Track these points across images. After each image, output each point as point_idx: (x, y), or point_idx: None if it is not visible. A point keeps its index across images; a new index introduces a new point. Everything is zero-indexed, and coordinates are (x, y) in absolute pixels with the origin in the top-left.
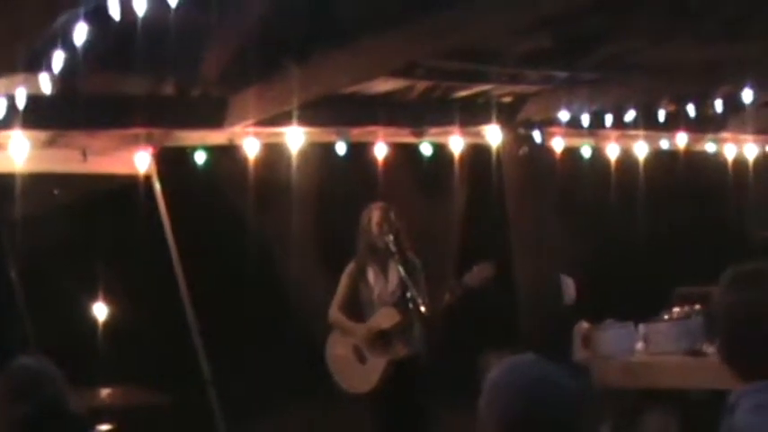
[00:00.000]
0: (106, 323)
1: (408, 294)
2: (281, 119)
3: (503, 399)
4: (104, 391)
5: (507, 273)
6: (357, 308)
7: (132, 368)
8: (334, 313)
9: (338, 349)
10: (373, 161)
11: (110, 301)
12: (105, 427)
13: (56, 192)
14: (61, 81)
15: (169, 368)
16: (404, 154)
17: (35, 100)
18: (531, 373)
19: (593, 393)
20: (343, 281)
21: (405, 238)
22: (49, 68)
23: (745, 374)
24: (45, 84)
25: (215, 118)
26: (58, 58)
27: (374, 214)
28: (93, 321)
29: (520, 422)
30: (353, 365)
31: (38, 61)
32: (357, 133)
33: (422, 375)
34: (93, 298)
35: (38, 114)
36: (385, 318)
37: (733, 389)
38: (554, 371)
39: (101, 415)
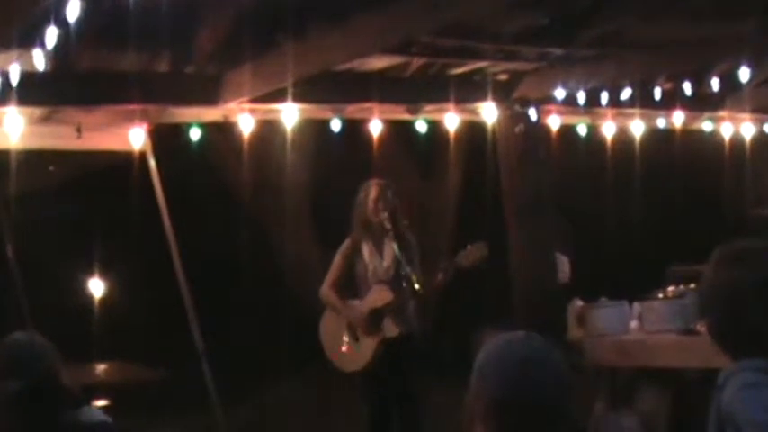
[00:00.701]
0: (101, 299)
1: (402, 272)
2: (276, 96)
3: (491, 377)
4: (100, 367)
5: (502, 251)
6: (352, 285)
7: (127, 344)
8: (326, 292)
9: (331, 327)
10: (368, 138)
11: (104, 276)
12: (101, 402)
13: (51, 168)
14: (55, 57)
15: (164, 343)
16: (399, 131)
17: (29, 76)
18: (520, 351)
19: (585, 372)
20: (337, 259)
21: (401, 216)
22: (42, 45)
23: (735, 353)
24: (39, 60)
25: (210, 95)
26: (52, 35)
27: (371, 191)
28: (89, 297)
29: (508, 401)
30: (347, 343)
31: (31, 38)
32: (352, 110)
33: (415, 354)
34: (88, 274)
35: (32, 91)
36: (378, 296)
37: (724, 368)
38: (545, 349)
39: (96, 391)
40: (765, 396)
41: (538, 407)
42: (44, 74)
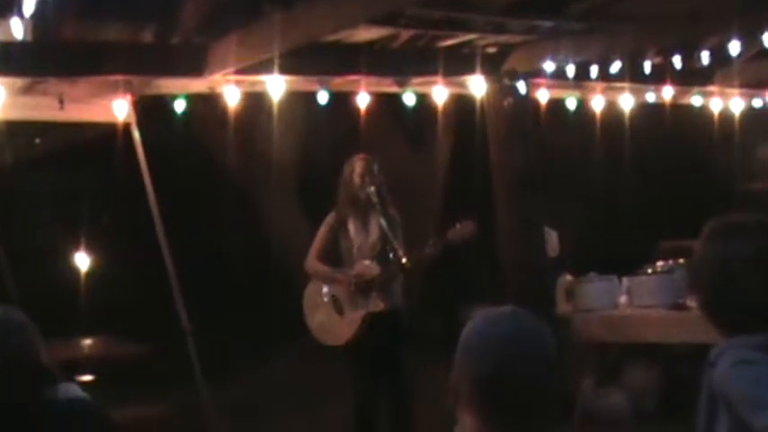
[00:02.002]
0: (86, 273)
1: (389, 246)
2: (262, 67)
3: (476, 352)
4: (85, 342)
5: (489, 225)
6: (336, 260)
7: (112, 319)
8: (312, 262)
9: (316, 300)
10: (355, 111)
11: (89, 250)
12: (86, 377)
13: (37, 141)
14: (37, 27)
15: (148, 319)
16: (386, 104)
17: (9, 46)
18: (505, 326)
19: (574, 347)
20: (322, 231)
21: (387, 191)
22: (20, 13)
23: (726, 329)
24: (17, 29)
25: (195, 66)
26: (29, 3)
27: (357, 165)
28: (74, 271)
29: (492, 376)
30: (331, 317)
31: (8, 5)
32: (339, 82)
33: (401, 329)
34: (73, 247)
35: (13, 61)
36: (364, 271)
37: (715, 343)
38: (531, 324)
39: (81, 366)
40: (757, 372)
41: (524, 383)
42: (26, 44)
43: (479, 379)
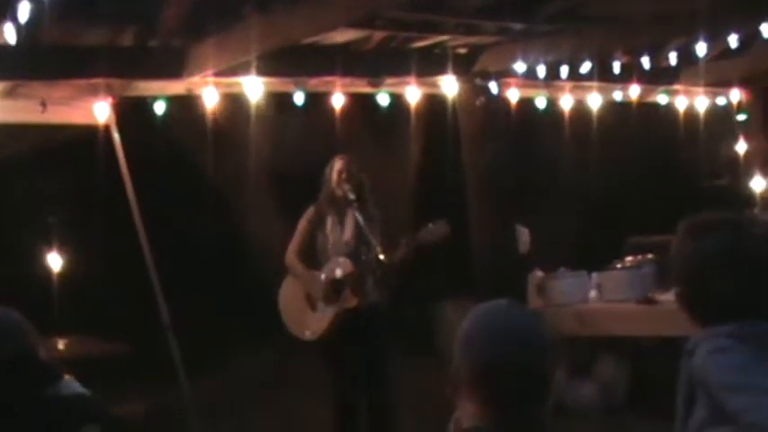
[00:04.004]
0: (64, 273)
1: (364, 242)
2: (240, 69)
3: (476, 342)
4: (62, 341)
5: (462, 223)
6: (312, 256)
7: (91, 318)
8: (291, 257)
9: (290, 295)
10: (331, 111)
11: (69, 250)
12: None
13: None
14: (18, 30)
15: (128, 317)
16: (361, 104)
17: None
18: (504, 318)
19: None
20: (301, 225)
21: (368, 191)
22: (14, 19)
23: (704, 320)
24: (10, 34)
25: (174, 68)
26: (24, 8)
27: (336, 164)
28: (52, 271)
29: (492, 367)
30: (304, 312)
31: (2, 11)
32: (315, 83)
33: (375, 325)
34: (52, 247)
35: None
36: (338, 267)
37: (682, 336)
38: (528, 315)
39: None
40: (735, 360)
41: (522, 370)
42: (8, 47)
43: (480, 367)
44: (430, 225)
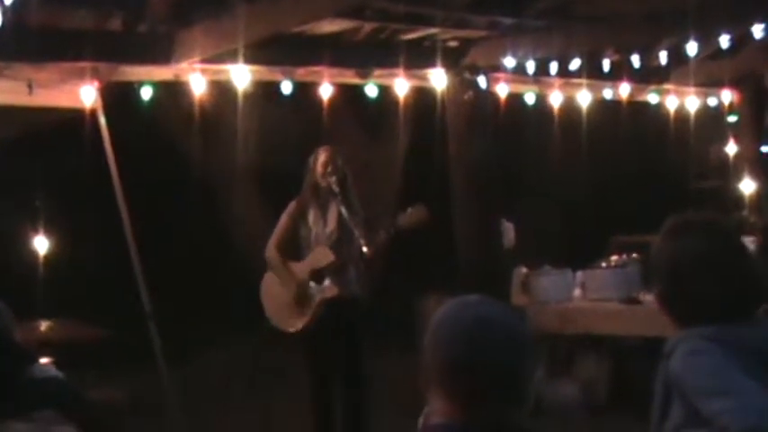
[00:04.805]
0: (48, 257)
1: (347, 234)
2: (228, 57)
3: (446, 337)
4: (44, 324)
5: (447, 217)
6: (295, 248)
7: (73, 302)
8: (271, 250)
9: (272, 287)
10: (318, 101)
11: (52, 234)
12: (45, 360)
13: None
14: (5, 12)
15: (110, 303)
16: (349, 95)
17: None
18: (475, 313)
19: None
20: (283, 219)
21: (351, 183)
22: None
23: (682, 321)
24: None
25: (161, 54)
26: None
27: (321, 155)
28: (36, 254)
29: (462, 363)
30: (286, 304)
31: None
32: (303, 73)
33: (357, 316)
34: (36, 231)
35: None
36: (319, 257)
37: (665, 336)
38: (501, 312)
39: (40, 348)
40: (711, 362)
41: (492, 369)
42: None
43: (449, 363)
44: (409, 210)
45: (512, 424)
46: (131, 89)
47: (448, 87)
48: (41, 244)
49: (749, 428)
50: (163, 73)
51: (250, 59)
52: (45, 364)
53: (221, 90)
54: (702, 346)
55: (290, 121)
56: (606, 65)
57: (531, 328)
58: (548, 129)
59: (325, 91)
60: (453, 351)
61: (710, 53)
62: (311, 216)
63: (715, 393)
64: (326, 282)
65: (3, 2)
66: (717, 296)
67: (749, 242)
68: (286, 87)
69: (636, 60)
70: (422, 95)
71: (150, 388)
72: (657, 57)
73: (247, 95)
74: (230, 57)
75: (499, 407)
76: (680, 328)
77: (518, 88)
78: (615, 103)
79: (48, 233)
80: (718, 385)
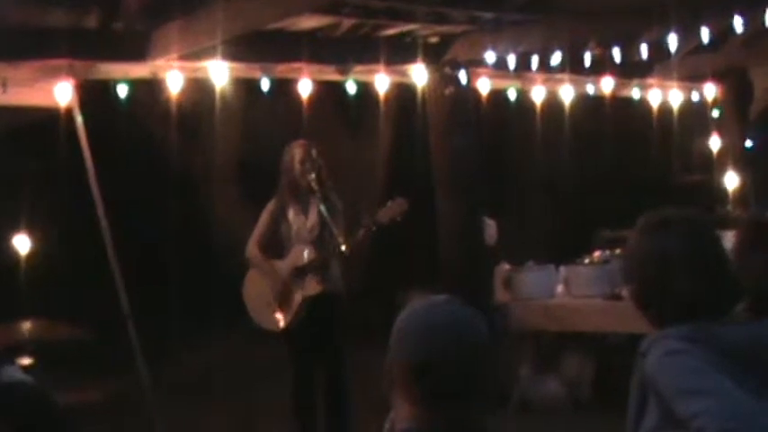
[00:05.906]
0: (26, 257)
1: (327, 231)
2: (205, 53)
3: (409, 339)
4: (24, 325)
5: (429, 213)
6: (276, 245)
7: (52, 302)
8: (252, 249)
9: (254, 286)
10: (297, 98)
11: (29, 234)
12: (25, 361)
13: None
14: None
15: (89, 303)
16: (329, 91)
17: None
18: (438, 315)
19: (511, 336)
20: (263, 217)
21: (326, 176)
22: None
23: (658, 321)
24: None
25: (138, 51)
26: None
27: (296, 152)
28: (14, 254)
29: (424, 363)
30: (268, 304)
31: None
32: (281, 70)
33: (340, 314)
34: (12, 231)
35: None
36: (300, 255)
37: (648, 333)
38: (464, 313)
39: (20, 349)
40: (687, 363)
41: (455, 371)
42: None
43: (412, 365)
44: (389, 203)
45: (476, 424)
46: (108, 87)
47: (429, 83)
48: (22, 244)
49: (726, 431)
50: (140, 70)
51: (228, 56)
52: (12, 368)
53: (199, 87)
54: (678, 345)
55: (269, 118)
56: (588, 59)
57: (514, 325)
58: (530, 124)
59: (305, 87)
60: (417, 354)
61: (694, 47)
62: (291, 212)
63: (691, 394)
64: (308, 278)
65: None
66: (692, 295)
67: (731, 237)
68: (265, 84)
69: (618, 54)
70: (403, 91)
71: (130, 388)
72: (639, 51)
73: (226, 92)
74: (208, 53)
75: (460, 407)
76: (656, 326)
77: (500, 83)
78: (598, 97)
79: (25, 232)
80: (695, 386)
